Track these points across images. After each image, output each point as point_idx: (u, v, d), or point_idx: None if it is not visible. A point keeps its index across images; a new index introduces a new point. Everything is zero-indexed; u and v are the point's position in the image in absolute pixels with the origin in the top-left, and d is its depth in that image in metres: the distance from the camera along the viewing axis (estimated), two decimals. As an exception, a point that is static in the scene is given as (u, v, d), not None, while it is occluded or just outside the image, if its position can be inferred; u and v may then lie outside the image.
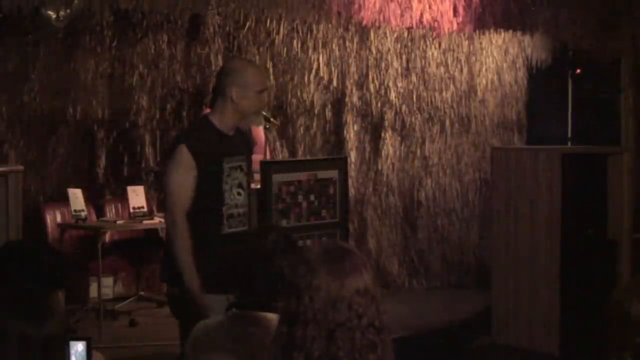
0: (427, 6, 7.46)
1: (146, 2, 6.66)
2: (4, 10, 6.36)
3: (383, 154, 8.33)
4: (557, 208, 6.11)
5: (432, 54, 8.39)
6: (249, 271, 2.80)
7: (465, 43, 8.52)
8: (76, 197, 6.72)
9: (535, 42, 8.74)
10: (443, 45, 8.42)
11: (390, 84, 8.24)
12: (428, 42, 8.33)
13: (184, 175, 4.01)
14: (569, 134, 9.19)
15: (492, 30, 8.20)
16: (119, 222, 6.86)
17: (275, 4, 6.94)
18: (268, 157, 5.61)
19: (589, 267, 6.17)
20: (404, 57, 8.28)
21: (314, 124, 8.09)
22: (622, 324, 2.42)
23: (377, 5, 7.23)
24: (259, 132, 5.62)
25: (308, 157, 7.78)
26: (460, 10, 7.62)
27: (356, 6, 7.15)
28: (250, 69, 4.31)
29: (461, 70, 8.58)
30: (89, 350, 2.16)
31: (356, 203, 8.15)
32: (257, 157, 5.47)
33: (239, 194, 4.23)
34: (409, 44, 8.29)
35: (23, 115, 7.18)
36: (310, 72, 7.89)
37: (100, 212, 7.33)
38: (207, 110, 4.67)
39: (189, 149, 4.01)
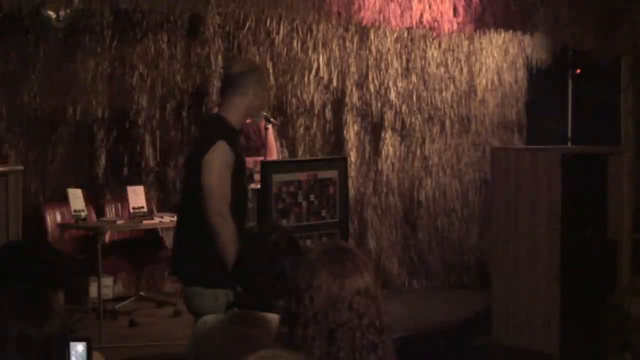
0: (427, 6, 7.44)
1: (146, 2, 6.65)
2: (4, 10, 6.35)
3: (383, 154, 8.33)
4: (557, 208, 6.11)
5: (432, 54, 8.38)
6: (251, 270, 2.80)
7: (465, 43, 8.51)
8: (76, 197, 6.72)
9: (535, 42, 8.73)
10: (443, 45, 8.42)
11: (390, 84, 8.23)
12: (428, 42, 8.33)
13: (227, 172, 4.05)
14: (569, 134, 9.17)
15: (492, 30, 8.19)
16: (119, 222, 6.86)
17: (275, 4, 6.93)
18: (279, 157, 5.67)
19: (589, 267, 6.16)
20: (404, 57, 8.28)
21: (314, 124, 8.09)
22: (622, 324, 2.42)
23: (377, 5, 7.21)
24: (269, 134, 5.63)
25: (308, 157, 7.77)
26: (460, 10, 7.60)
27: (356, 6, 7.13)
28: (262, 70, 4.61)
29: (461, 70, 8.57)
30: (89, 351, 2.16)
31: (356, 203, 8.14)
32: (257, 159, 5.49)
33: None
34: (409, 44, 8.28)
35: (23, 115, 7.18)
36: (310, 72, 7.89)
37: (100, 212, 7.33)
38: (215, 110, 4.70)
39: (229, 145, 4.05)
